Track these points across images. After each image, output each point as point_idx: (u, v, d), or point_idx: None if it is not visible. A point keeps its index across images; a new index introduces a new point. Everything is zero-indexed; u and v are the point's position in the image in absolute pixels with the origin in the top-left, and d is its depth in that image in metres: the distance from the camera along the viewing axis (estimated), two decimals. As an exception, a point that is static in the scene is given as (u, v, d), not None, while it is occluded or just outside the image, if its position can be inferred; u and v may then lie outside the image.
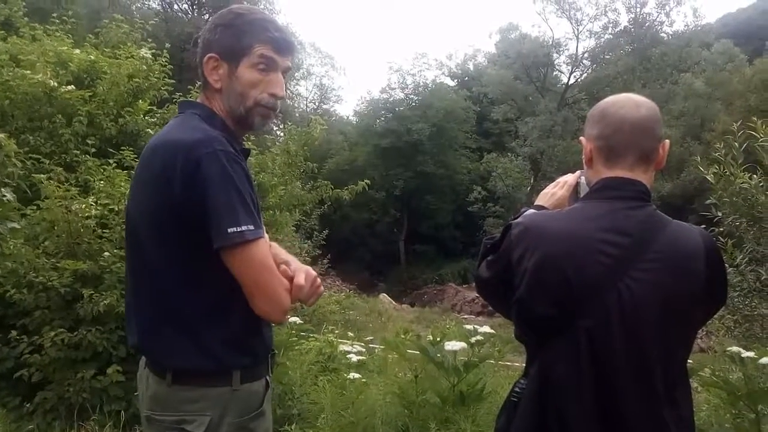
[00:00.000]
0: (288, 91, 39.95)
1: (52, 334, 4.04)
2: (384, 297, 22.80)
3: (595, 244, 1.43)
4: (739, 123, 4.56)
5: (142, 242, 1.49)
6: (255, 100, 1.54)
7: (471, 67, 41.20)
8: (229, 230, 1.35)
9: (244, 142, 1.74)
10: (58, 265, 4.31)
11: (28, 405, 4.08)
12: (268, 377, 1.59)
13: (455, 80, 40.22)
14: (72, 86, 5.84)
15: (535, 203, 1.87)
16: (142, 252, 1.50)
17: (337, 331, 5.81)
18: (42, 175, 4.58)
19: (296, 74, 39.54)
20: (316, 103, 43.01)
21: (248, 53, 1.52)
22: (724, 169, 4.55)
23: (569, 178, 1.86)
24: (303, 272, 1.54)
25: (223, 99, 1.56)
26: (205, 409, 1.44)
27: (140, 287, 1.53)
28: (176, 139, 1.44)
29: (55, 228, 4.49)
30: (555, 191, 1.85)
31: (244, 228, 1.36)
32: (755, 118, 4.40)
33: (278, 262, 1.52)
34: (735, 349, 2.60)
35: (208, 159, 1.36)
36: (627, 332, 1.39)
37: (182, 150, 1.39)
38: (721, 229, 4.80)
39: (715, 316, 4.92)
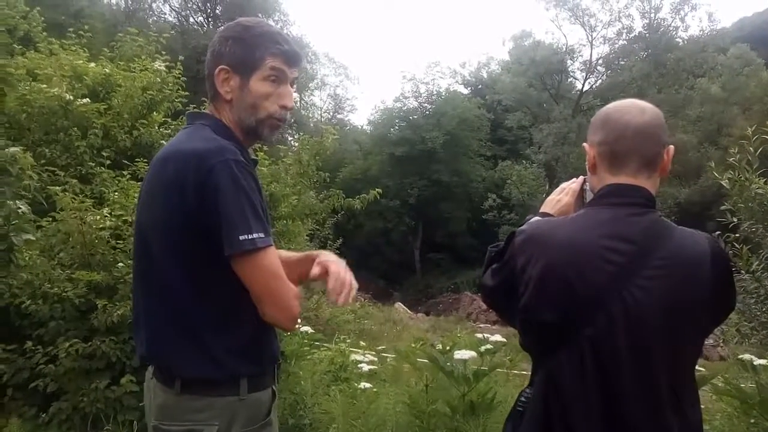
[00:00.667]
0: (302, 101, 40.38)
1: (67, 344, 4.08)
2: (399, 306, 22.77)
3: (599, 252, 1.41)
4: (754, 127, 4.50)
5: (152, 252, 1.50)
6: (267, 112, 1.57)
7: (484, 74, 41.21)
8: (241, 238, 1.36)
9: (255, 153, 1.77)
10: (72, 276, 4.36)
11: (44, 415, 4.11)
12: (274, 387, 1.60)
13: (469, 88, 40.25)
14: (87, 99, 5.93)
15: (540, 210, 1.86)
16: (151, 261, 1.51)
17: (348, 341, 5.80)
18: (57, 187, 4.64)
19: (310, 84, 39.87)
20: (331, 113, 43.31)
21: (260, 66, 1.54)
22: (739, 175, 4.49)
23: (573, 185, 1.85)
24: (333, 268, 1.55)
25: (233, 110, 1.58)
26: (213, 418, 1.44)
27: (149, 297, 1.54)
28: (188, 148, 1.46)
29: (70, 239, 4.55)
30: (560, 198, 1.84)
31: (255, 236, 1.38)
32: (770, 123, 4.34)
33: (295, 259, 1.64)
34: (747, 356, 2.55)
35: (221, 168, 1.38)
36: (632, 341, 1.37)
37: (194, 159, 1.40)
38: (738, 235, 4.73)
39: (732, 323, 4.85)
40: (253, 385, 1.49)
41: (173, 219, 1.43)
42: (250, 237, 1.37)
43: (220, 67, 1.56)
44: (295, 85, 1.65)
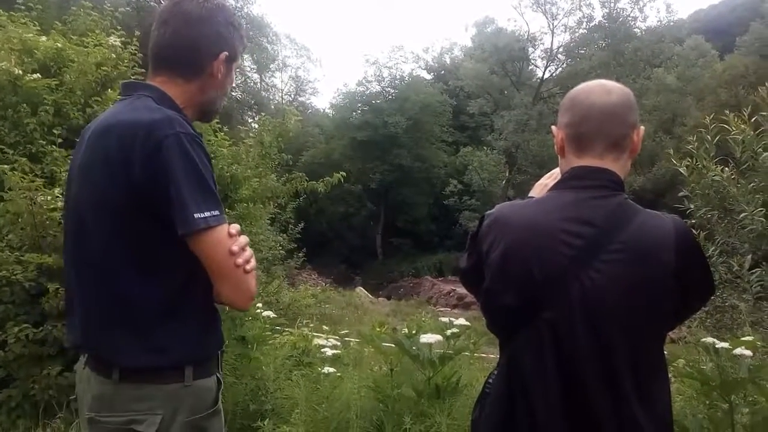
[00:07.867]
0: (263, 83, 39.61)
1: (16, 329, 3.92)
2: (360, 290, 22.86)
3: (558, 235, 1.40)
4: (711, 117, 4.60)
5: (90, 231, 1.42)
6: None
7: (447, 60, 41.41)
8: (195, 216, 1.31)
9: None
10: (22, 258, 4.17)
11: (-8, 403, 3.96)
12: (218, 374, 1.53)
13: (432, 73, 40.38)
14: (38, 74, 5.65)
15: (528, 194, 1.85)
16: (88, 241, 1.42)
17: (312, 325, 5.75)
18: (6, 166, 4.43)
19: (271, 66, 39.23)
20: (292, 95, 42.80)
21: (238, 57, 1.65)
22: (696, 162, 4.59)
23: None
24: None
25: (208, 91, 1.59)
26: (156, 407, 1.37)
27: (85, 280, 1.46)
28: (133, 119, 1.37)
29: (20, 220, 4.35)
30: (548, 182, 1.82)
31: (207, 214, 1.33)
32: (728, 112, 4.44)
33: None
34: (709, 340, 2.62)
35: (170, 142, 1.32)
36: (590, 325, 1.36)
37: (141, 131, 1.33)
38: (693, 221, 4.84)
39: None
40: (198, 372, 1.44)
41: (117, 196, 1.35)
42: (203, 215, 1.32)
43: (225, 52, 1.57)
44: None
